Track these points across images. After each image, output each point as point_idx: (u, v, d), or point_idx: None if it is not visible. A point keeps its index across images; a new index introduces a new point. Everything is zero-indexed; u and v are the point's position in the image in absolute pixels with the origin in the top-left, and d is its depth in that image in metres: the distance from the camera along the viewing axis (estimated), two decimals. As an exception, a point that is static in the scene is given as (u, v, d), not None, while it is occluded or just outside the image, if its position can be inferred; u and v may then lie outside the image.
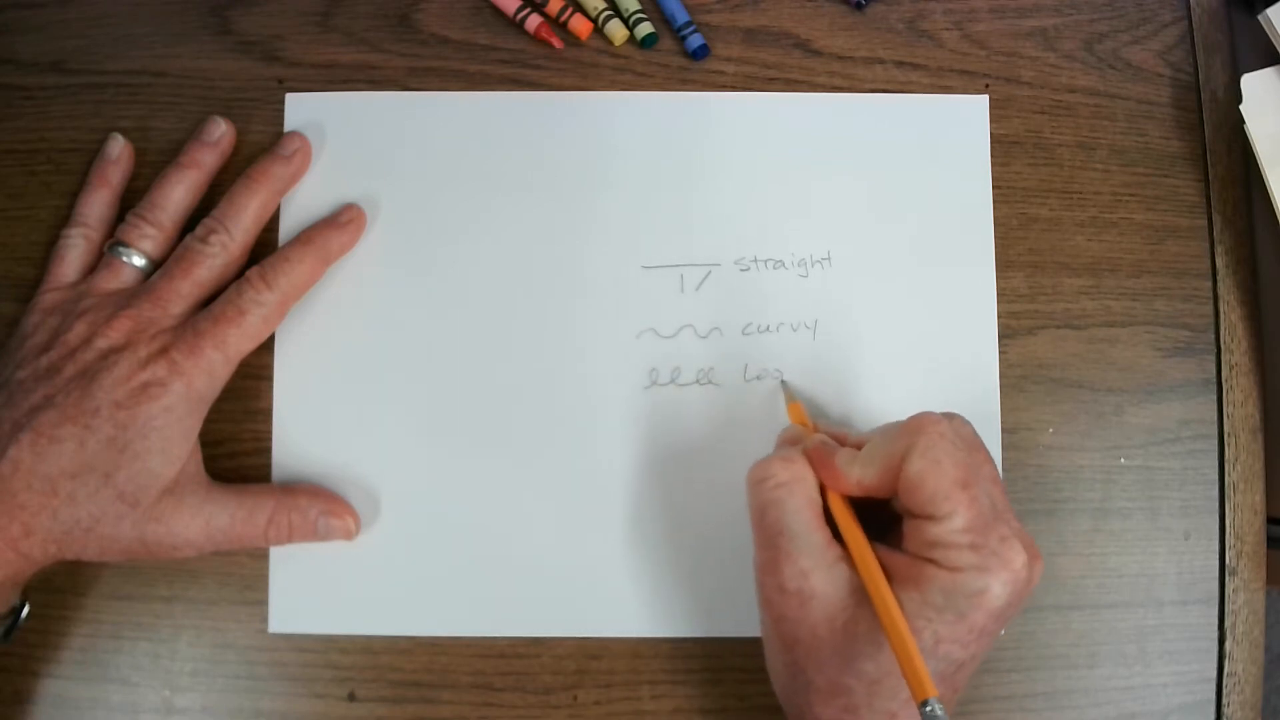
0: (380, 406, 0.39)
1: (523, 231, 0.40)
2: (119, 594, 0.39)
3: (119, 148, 0.40)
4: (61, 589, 0.39)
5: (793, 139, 0.41)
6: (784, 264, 0.40)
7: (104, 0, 0.42)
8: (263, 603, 0.39)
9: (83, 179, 0.40)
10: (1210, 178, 0.41)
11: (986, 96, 0.42)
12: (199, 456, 0.37)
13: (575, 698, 0.39)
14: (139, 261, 0.38)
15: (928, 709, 0.27)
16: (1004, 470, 0.39)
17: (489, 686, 0.39)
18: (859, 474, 0.32)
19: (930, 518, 0.30)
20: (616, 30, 0.41)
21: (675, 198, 0.41)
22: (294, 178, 0.40)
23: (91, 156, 0.40)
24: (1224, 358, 0.40)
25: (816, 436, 0.34)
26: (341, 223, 0.39)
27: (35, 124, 0.41)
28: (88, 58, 0.42)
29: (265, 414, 0.39)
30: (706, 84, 0.41)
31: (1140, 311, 0.41)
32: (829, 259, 0.40)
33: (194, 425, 0.36)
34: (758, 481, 0.33)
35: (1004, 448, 0.39)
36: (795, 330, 0.40)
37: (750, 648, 0.37)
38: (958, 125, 0.41)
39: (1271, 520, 0.40)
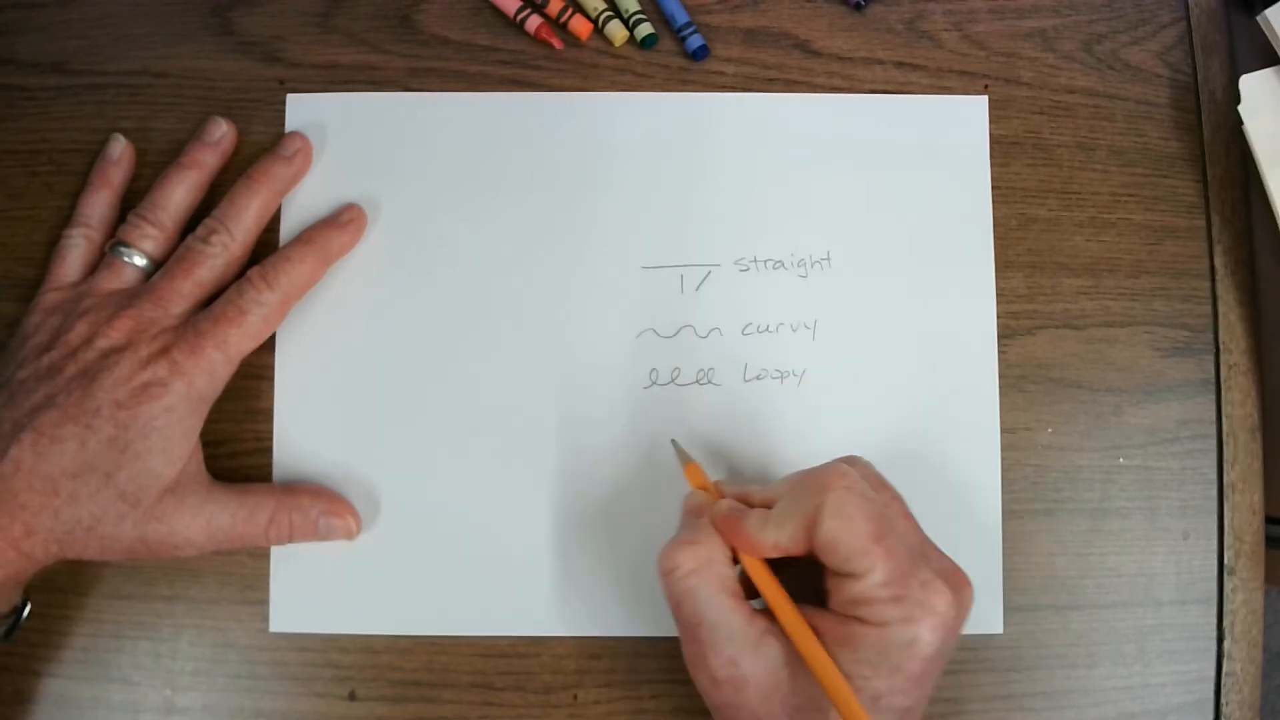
0: (381, 406, 0.39)
1: (523, 232, 0.40)
2: (120, 593, 0.39)
3: (120, 148, 0.40)
4: (63, 588, 0.39)
5: (792, 139, 0.41)
6: (784, 264, 0.40)
7: (105, 1, 0.42)
8: (263, 602, 0.39)
9: (84, 179, 0.40)
10: (1209, 178, 0.42)
11: (986, 97, 0.42)
12: (200, 456, 0.37)
13: (575, 697, 0.39)
14: (140, 261, 0.38)
15: None
16: (1003, 470, 0.39)
17: (489, 686, 0.39)
18: (773, 538, 0.31)
19: (850, 575, 0.30)
20: (616, 31, 0.41)
21: (675, 198, 0.41)
22: (295, 178, 0.40)
23: (93, 157, 0.40)
24: (1222, 358, 0.40)
25: (723, 503, 0.33)
26: (342, 223, 0.39)
27: (37, 124, 0.41)
28: (89, 58, 0.42)
29: (266, 414, 0.40)
30: (706, 85, 0.42)
31: (1139, 312, 0.41)
32: (828, 259, 0.40)
33: (195, 425, 0.36)
34: (666, 573, 0.32)
35: (1003, 447, 0.40)
36: (795, 330, 0.40)
37: (750, 647, 0.37)
38: (957, 126, 0.41)
39: (1270, 520, 0.40)
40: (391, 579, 0.39)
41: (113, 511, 0.34)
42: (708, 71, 0.42)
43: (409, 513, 0.39)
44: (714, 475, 0.38)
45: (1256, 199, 0.41)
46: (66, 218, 0.39)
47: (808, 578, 0.32)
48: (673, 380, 0.40)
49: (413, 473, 0.39)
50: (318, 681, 0.39)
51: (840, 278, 0.40)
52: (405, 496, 0.39)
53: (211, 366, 0.36)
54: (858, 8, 0.42)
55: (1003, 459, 0.40)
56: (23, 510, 0.33)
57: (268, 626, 0.39)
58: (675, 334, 0.40)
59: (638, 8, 0.41)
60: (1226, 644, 0.39)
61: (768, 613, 0.32)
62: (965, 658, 0.39)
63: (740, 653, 0.30)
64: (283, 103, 0.41)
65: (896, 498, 0.33)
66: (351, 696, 0.39)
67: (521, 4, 0.41)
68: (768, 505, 0.32)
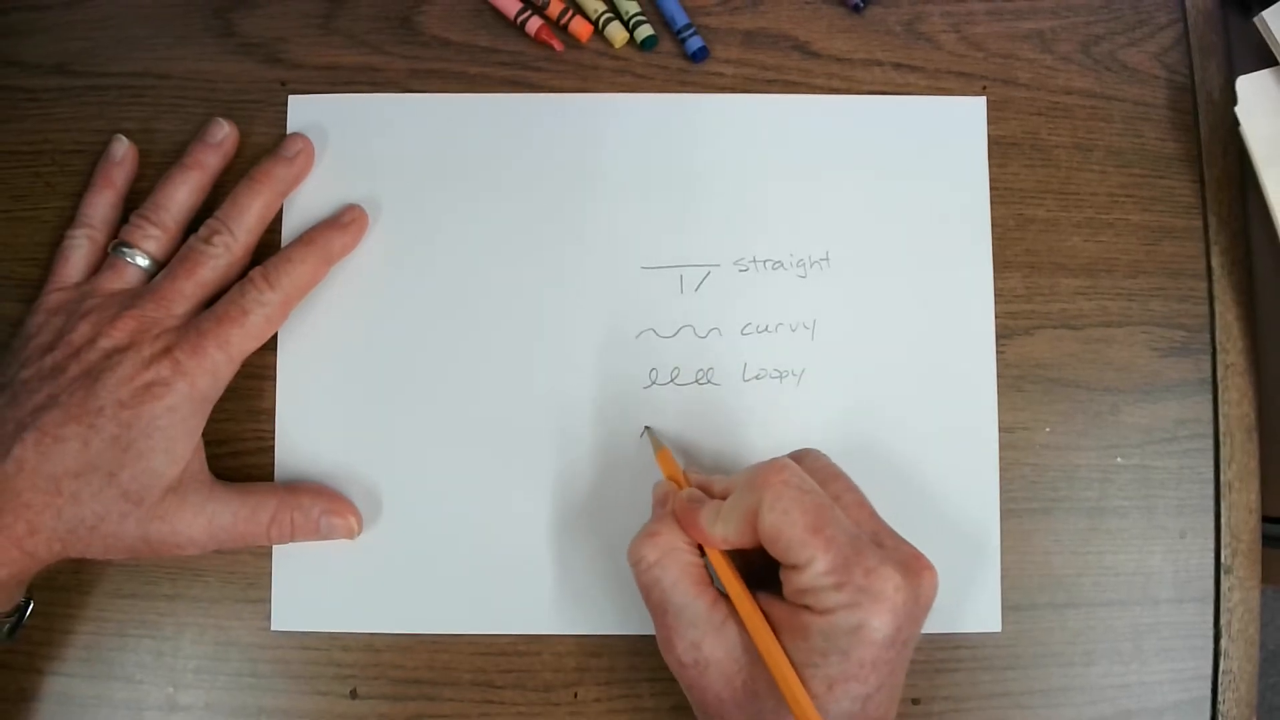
0: (382, 406, 0.40)
1: (523, 232, 0.41)
2: (122, 592, 0.39)
3: (123, 149, 0.40)
4: (65, 587, 0.39)
5: (791, 140, 0.41)
6: (783, 264, 0.41)
7: (108, 3, 0.42)
8: (265, 601, 0.39)
9: (87, 180, 0.40)
10: (1206, 179, 0.42)
11: (984, 98, 0.42)
12: (202, 455, 0.37)
13: (576, 695, 0.39)
14: (143, 262, 0.38)
15: None
16: (1001, 469, 0.40)
17: (490, 684, 0.39)
18: (722, 531, 0.32)
19: (794, 566, 0.31)
20: (616, 33, 0.41)
21: (675, 199, 0.41)
22: (297, 179, 0.40)
23: (95, 158, 0.40)
24: (1219, 358, 0.41)
25: (684, 493, 0.34)
26: (344, 223, 0.40)
27: (39, 126, 0.41)
28: (92, 60, 0.42)
29: (268, 413, 0.40)
30: (706, 86, 0.42)
31: (1136, 312, 0.41)
32: (827, 259, 0.41)
33: (197, 425, 0.36)
34: (633, 564, 0.33)
35: (1001, 447, 0.40)
36: (794, 330, 0.40)
37: (749, 645, 0.38)
38: (955, 127, 0.41)
39: (1267, 519, 0.40)
40: (393, 578, 0.39)
41: (115, 510, 0.34)
42: (707, 73, 0.42)
43: (410, 512, 0.39)
44: (712, 473, 0.39)
45: (1253, 199, 0.42)
46: (69, 218, 0.39)
47: (773, 566, 0.33)
48: (672, 380, 0.40)
49: (414, 472, 0.39)
50: (319, 680, 0.39)
51: (839, 278, 0.40)
52: (406, 495, 0.39)
53: (214, 366, 0.36)
54: (856, 9, 0.42)
55: (1001, 458, 0.40)
56: (26, 509, 0.33)
57: (269, 625, 0.39)
58: (675, 334, 0.40)
59: (638, 9, 0.41)
60: (1223, 642, 0.39)
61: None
62: (963, 656, 0.39)
63: (703, 637, 0.32)
64: (284, 104, 0.41)
65: (850, 488, 0.34)
66: (353, 695, 0.39)
67: (522, 6, 0.41)
68: (725, 496, 0.33)
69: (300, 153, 0.40)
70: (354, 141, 0.41)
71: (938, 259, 0.41)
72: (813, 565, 0.30)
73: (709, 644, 0.32)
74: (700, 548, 0.33)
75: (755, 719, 0.31)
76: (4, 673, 0.39)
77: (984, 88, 0.42)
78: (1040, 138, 0.42)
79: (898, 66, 0.42)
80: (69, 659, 0.39)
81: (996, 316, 0.40)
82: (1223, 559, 0.40)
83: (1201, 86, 0.42)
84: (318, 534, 0.38)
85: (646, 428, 0.39)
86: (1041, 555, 0.39)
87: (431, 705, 0.39)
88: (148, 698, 0.39)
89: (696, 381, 0.40)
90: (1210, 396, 0.40)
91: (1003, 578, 0.39)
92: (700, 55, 0.42)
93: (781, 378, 0.40)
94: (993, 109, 0.42)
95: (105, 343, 0.35)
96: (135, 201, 0.39)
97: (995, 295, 0.41)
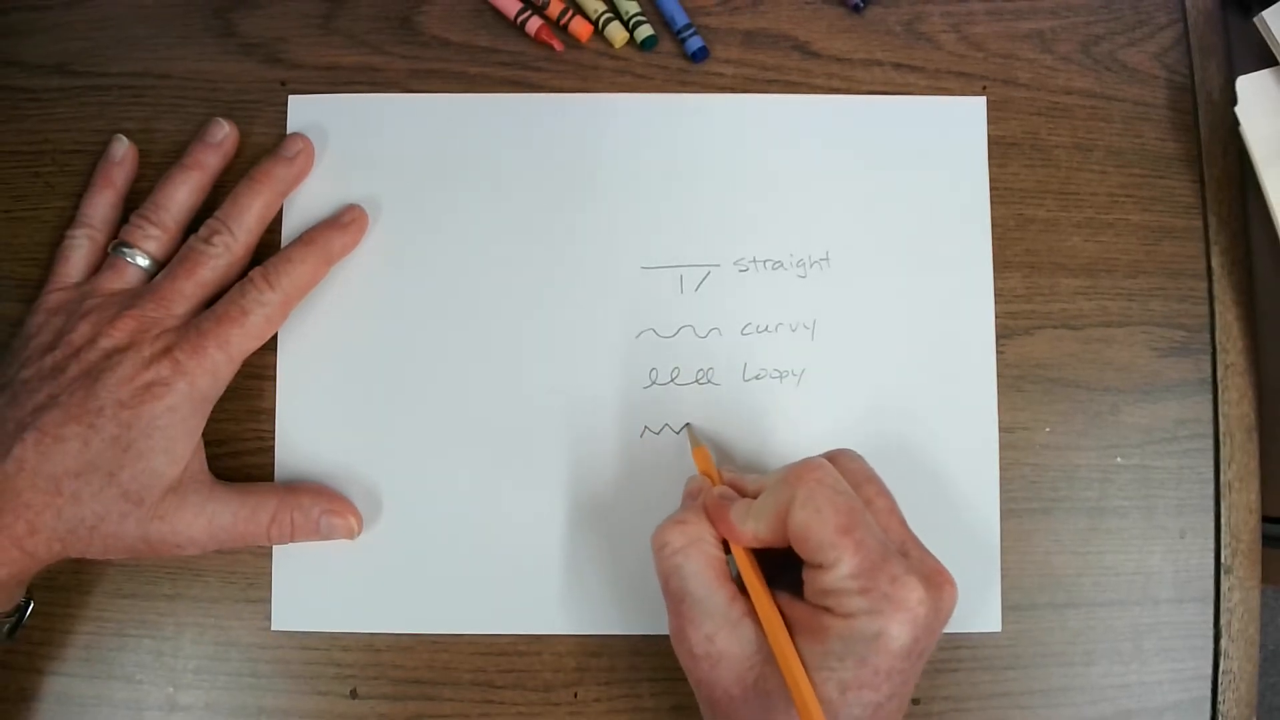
0: (382, 406, 0.40)
1: (523, 232, 0.41)
2: (122, 592, 0.39)
3: (123, 149, 0.40)
4: (65, 587, 0.39)
5: (791, 140, 0.41)
6: (783, 264, 0.41)
7: (108, 3, 0.42)
8: (265, 601, 0.39)
9: (87, 180, 0.40)
10: (1205, 179, 0.42)
11: (984, 98, 0.42)
12: (203, 455, 0.37)
13: (576, 695, 0.39)
14: (143, 262, 0.38)
15: None
16: (1001, 469, 0.40)
17: (490, 684, 0.39)
18: (753, 528, 0.32)
19: (820, 566, 0.30)
20: (616, 33, 0.41)
21: (674, 199, 0.41)
22: (297, 179, 0.40)
23: (95, 158, 0.40)
24: (1219, 357, 0.41)
25: (716, 489, 0.35)
26: (344, 223, 0.40)
27: (40, 126, 0.41)
28: (92, 60, 0.42)
29: (268, 413, 0.40)
30: (706, 86, 0.42)
31: (1136, 312, 0.41)
32: (827, 259, 0.41)
33: (197, 424, 0.36)
34: (657, 550, 0.33)
35: (1001, 447, 0.40)
36: (794, 330, 0.40)
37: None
38: (955, 127, 0.41)
39: (1267, 519, 0.40)
40: (393, 578, 0.39)
41: (115, 510, 0.34)
42: (707, 73, 0.42)
43: (410, 512, 0.39)
44: (746, 473, 0.39)
45: (1253, 200, 0.42)
46: (69, 218, 0.39)
47: (794, 568, 0.32)
48: (672, 380, 0.40)
49: (414, 472, 0.39)
50: (319, 679, 0.39)
51: (839, 278, 0.41)
52: (407, 495, 0.39)
53: (214, 366, 0.36)
54: (856, 9, 0.42)
55: (1001, 458, 0.40)
56: (26, 509, 0.33)
57: (270, 625, 0.39)
58: (675, 334, 0.40)
59: (638, 10, 0.41)
60: (1223, 642, 0.39)
61: None
62: (963, 656, 0.39)
63: (718, 630, 0.31)
64: (284, 104, 0.41)
65: (882, 493, 0.33)
66: (353, 694, 0.39)
67: (522, 6, 0.41)
68: (756, 496, 0.33)
69: (300, 153, 0.40)
70: (354, 141, 0.41)
71: (938, 259, 0.41)
72: (839, 567, 0.30)
73: (724, 637, 0.31)
74: (725, 545, 0.33)
75: (764, 716, 0.31)
76: (4, 673, 0.39)
77: (984, 88, 0.42)
78: (1040, 138, 0.42)
79: (898, 66, 0.42)
80: (69, 659, 0.39)
81: (996, 316, 0.40)
82: (1223, 559, 0.40)
83: (1201, 86, 0.42)
84: (318, 534, 0.38)
85: (687, 424, 0.39)
86: (1041, 555, 0.40)
87: (431, 705, 0.39)
88: (148, 698, 0.39)
89: (696, 381, 0.40)
90: (1210, 396, 0.40)
91: (1003, 578, 0.39)
92: (700, 55, 0.42)
93: (781, 378, 0.40)
94: (993, 109, 0.42)
95: (105, 343, 0.35)
96: (135, 201, 0.39)
97: (995, 295, 0.41)
